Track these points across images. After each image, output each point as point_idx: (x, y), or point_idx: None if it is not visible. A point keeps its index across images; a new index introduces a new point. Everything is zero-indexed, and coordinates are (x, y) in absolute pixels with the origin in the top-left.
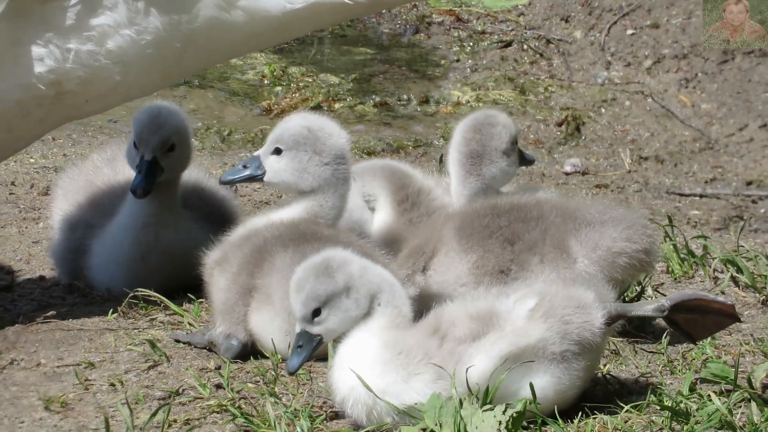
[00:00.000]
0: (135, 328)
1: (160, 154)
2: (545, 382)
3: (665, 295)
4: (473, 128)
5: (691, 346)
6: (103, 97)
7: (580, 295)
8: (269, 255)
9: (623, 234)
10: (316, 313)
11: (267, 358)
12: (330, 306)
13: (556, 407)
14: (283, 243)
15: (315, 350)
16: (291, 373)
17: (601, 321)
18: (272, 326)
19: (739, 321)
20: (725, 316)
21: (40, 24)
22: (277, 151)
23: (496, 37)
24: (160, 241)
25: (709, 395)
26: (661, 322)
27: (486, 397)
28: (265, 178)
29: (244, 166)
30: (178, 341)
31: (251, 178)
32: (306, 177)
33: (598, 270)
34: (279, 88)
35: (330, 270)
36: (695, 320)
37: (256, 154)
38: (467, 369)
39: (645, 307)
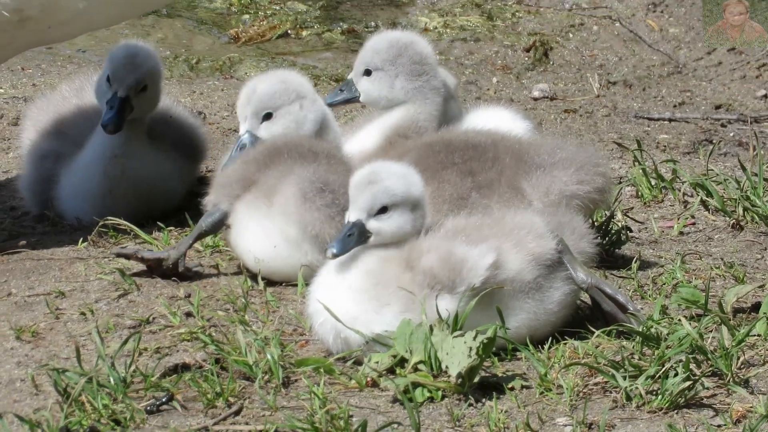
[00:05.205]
0: (105, 257)
1: (133, 94)
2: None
3: (636, 221)
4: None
5: (662, 270)
6: (65, 24)
7: (534, 222)
8: (284, 157)
9: (574, 177)
10: (383, 210)
11: (237, 285)
12: (398, 210)
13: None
14: (301, 155)
15: (359, 245)
16: (334, 256)
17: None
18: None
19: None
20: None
21: None
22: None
23: None
24: (128, 172)
25: (679, 319)
26: (629, 250)
27: (456, 325)
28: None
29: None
30: (120, 255)
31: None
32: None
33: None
34: (246, 16)
35: (412, 177)
36: (608, 310)
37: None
38: (437, 297)
39: (577, 270)
